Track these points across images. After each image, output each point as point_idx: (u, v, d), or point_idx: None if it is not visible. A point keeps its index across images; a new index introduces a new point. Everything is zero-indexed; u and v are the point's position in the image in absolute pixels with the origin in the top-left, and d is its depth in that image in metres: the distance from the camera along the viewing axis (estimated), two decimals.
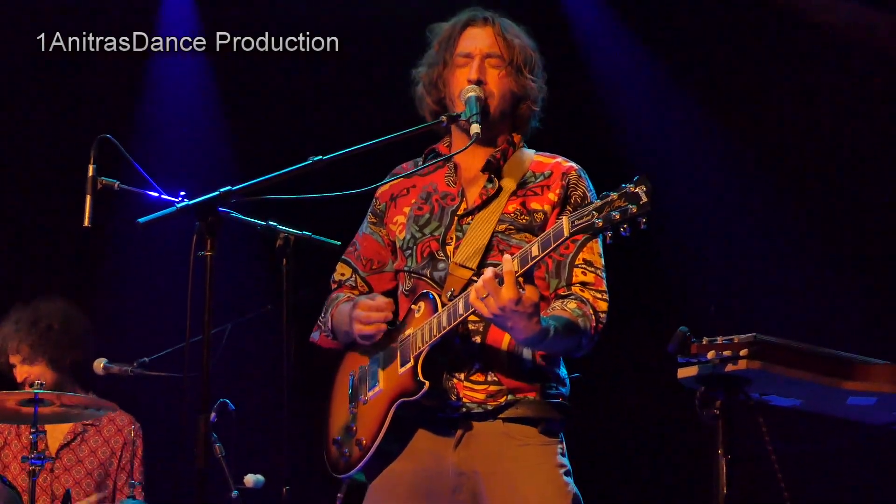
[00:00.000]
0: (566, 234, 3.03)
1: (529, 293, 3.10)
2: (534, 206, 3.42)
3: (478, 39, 3.51)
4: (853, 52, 5.99)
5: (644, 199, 2.91)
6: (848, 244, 6.00)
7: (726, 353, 3.15)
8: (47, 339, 5.50)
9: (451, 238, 3.43)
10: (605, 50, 6.49)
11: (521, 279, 3.11)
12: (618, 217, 2.93)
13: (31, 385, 5.22)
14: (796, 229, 6.09)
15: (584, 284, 3.36)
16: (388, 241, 3.60)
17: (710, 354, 3.17)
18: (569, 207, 3.40)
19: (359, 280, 3.65)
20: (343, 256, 3.72)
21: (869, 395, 3.28)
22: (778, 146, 6.23)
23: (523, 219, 3.40)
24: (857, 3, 6.00)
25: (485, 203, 3.44)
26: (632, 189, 2.94)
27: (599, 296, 3.36)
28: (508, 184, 3.46)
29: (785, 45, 6.20)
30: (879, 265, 5.94)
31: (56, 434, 5.51)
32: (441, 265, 3.41)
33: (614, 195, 2.96)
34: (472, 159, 3.52)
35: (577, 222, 3.01)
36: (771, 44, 6.25)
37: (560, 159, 3.52)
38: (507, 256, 3.10)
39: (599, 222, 2.96)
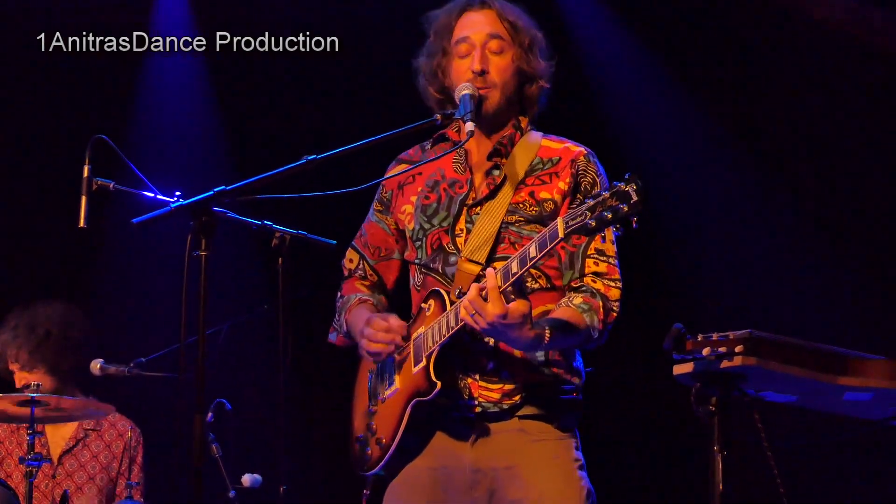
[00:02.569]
0: (560, 235, 3.03)
1: (517, 304, 3.09)
2: (543, 195, 3.38)
3: (476, 25, 3.45)
4: (850, 48, 5.99)
5: (634, 197, 2.89)
6: (843, 240, 6.00)
7: (721, 349, 3.14)
8: (46, 345, 5.44)
9: (462, 230, 3.42)
10: (601, 46, 6.49)
11: (509, 289, 3.11)
12: (609, 217, 2.92)
13: (27, 388, 5.18)
14: (791, 225, 6.10)
15: (596, 274, 3.35)
16: (395, 229, 3.58)
17: (706, 351, 3.17)
18: (579, 195, 3.37)
19: (367, 268, 3.65)
20: (352, 242, 3.71)
21: (865, 391, 3.28)
22: (774, 142, 6.24)
23: (533, 210, 3.37)
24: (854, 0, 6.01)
25: (492, 193, 3.42)
26: (622, 187, 2.91)
27: (613, 284, 3.35)
28: (515, 171, 3.42)
29: (782, 41, 6.21)
30: (875, 261, 5.95)
31: (57, 440, 5.50)
32: (452, 259, 3.39)
33: (606, 194, 2.94)
34: (479, 145, 3.49)
35: (570, 223, 3.01)
36: (768, 40, 6.25)
37: (569, 144, 3.48)
38: (490, 271, 3.11)
39: (592, 223, 2.95)
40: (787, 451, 3.48)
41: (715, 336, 3.18)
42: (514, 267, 3.12)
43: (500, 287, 3.09)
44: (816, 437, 5.40)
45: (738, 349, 3.13)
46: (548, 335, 3.16)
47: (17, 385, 5.47)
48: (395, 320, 3.39)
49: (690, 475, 4.79)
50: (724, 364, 3.15)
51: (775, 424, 3.30)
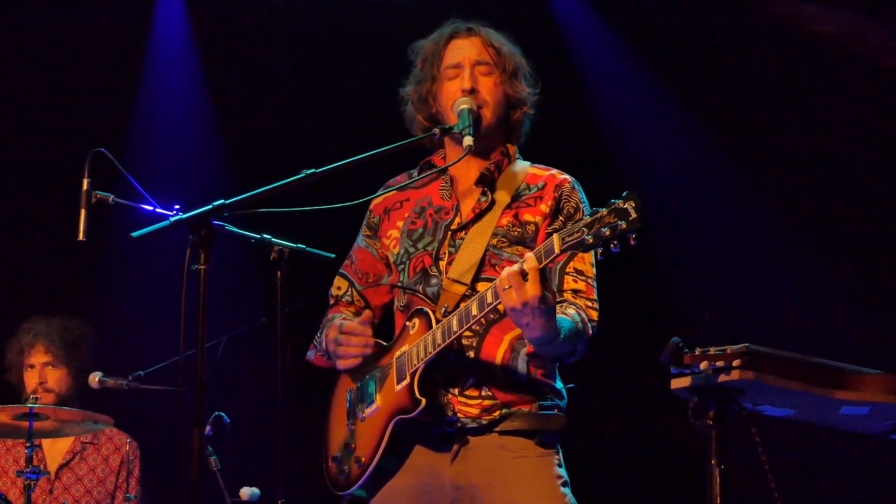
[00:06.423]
0: (556, 251, 3.02)
1: (550, 293, 3.09)
2: (526, 217, 3.41)
3: (465, 49, 3.51)
4: (844, 61, 6.01)
5: (633, 214, 2.89)
6: (841, 254, 6.01)
7: (719, 363, 3.14)
8: (76, 348, 5.63)
9: (445, 253, 3.43)
10: (598, 60, 6.50)
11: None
12: (607, 233, 2.91)
13: (43, 384, 5.38)
14: (789, 239, 6.11)
15: (575, 292, 3.36)
16: (383, 254, 3.59)
17: (703, 365, 3.16)
18: (560, 218, 3.40)
19: (355, 294, 3.64)
20: (340, 269, 3.70)
21: (862, 405, 3.28)
22: (771, 155, 6.26)
23: (515, 231, 3.40)
24: (847, 12, 6.03)
25: (478, 217, 3.44)
26: (620, 205, 2.91)
27: (590, 304, 3.37)
28: (502, 197, 3.45)
29: (777, 54, 6.23)
30: (872, 275, 5.96)
31: (54, 454, 5.53)
32: (434, 281, 3.40)
33: (603, 211, 2.94)
34: (467, 171, 3.51)
35: (567, 239, 2.99)
36: (763, 53, 6.27)
37: (554, 171, 3.52)
38: (529, 254, 3.06)
39: (590, 239, 2.95)
40: (785, 465, 3.48)
41: (713, 350, 3.17)
42: (557, 247, 3.01)
43: (539, 266, 3.03)
44: (814, 452, 5.40)
45: (735, 363, 3.13)
46: (562, 334, 3.15)
47: (31, 380, 5.54)
48: (360, 326, 3.38)
49: (688, 489, 4.80)
50: (722, 378, 3.14)
51: (773, 438, 3.30)
